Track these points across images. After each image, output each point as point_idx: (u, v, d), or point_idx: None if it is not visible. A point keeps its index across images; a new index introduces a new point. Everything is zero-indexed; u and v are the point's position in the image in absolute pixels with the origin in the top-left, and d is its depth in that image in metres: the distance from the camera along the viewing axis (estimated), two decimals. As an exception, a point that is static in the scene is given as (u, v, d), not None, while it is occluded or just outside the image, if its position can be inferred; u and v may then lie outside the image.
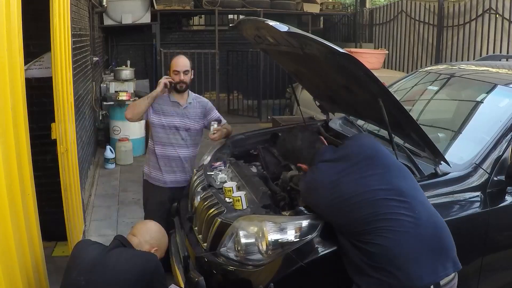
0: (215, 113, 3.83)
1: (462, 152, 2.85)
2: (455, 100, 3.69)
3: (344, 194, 2.20)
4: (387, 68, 9.77)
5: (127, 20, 9.75)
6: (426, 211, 2.19)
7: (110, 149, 6.70)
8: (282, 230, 2.38)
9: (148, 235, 2.52)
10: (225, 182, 3.00)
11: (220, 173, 3.16)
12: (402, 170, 2.32)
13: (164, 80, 3.61)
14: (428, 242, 2.11)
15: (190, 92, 3.83)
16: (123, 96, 7.03)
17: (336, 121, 3.77)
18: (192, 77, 3.81)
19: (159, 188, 3.67)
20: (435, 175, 2.60)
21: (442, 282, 2.10)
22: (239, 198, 2.63)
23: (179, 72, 3.64)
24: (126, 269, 2.27)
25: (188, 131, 3.65)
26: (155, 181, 3.69)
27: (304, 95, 5.42)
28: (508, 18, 7.14)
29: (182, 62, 3.69)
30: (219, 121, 3.67)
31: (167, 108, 3.64)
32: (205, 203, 2.88)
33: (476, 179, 2.61)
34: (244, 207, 2.62)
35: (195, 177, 3.37)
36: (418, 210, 2.15)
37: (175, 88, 3.65)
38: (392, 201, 2.14)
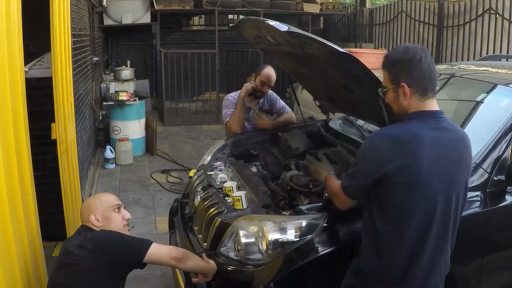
0: (279, 103, 4.07)
1: (462, 152, 2.84)
2: (455, 100, 3.69)
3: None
4: (387, 68, 9.76)
5: (127, 20, 9.75)
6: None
7: (110, 149, 6.70)
8: (282, 229, 2.38)
9: (82, 214, 2.45)
10: (225, 182, 3.00)
11: (220, 173, 3.16)
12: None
13: (250, 85, 3.89)
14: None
15: None
16: (123, 96, 7.03)
17: (336, 121, 3.77)
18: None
19: None
20: (435, 175, 2.60)
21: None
22: (239, 197, 2.63)
23: (266, 85, 3.90)
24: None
25: None
26: None
27: (304, 95, 5.41)
28: (508, 18, 7.14)
29: (273, 77, 3.92)
30: (281, 112, 4.01)
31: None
32: (205, 203, 2.88)
33: (476, 179, 2.61)
34: (244, 206, 2.62)
35: (195, 177, 3.37)
36: None
37: (254, 94, 3.92)
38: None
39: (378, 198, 1.97)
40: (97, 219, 2.38)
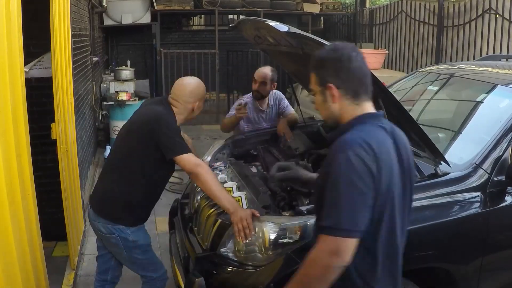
0: (284, 102, 4.20)
1: (462, 152, 2.85)
2: (455, 100, 3.69)
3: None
4: (387, 68, 9.77)
5: (127, 20, 9.74)
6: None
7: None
8: (282, 230, 2.38)
9: (187, 94, 2.68)
10: (225, 182, 3.00)
11: (220, 173, 3.15)
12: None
13: (239, 108, 3.94)
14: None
15: (271, 93, 4.16)
16: (123, 96, 7.02)
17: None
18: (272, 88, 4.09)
19: None
20: (435, 175, 2.60)
21: None
22: (239, 198, 2.63)
23: (263, 83, 3.96)
24: (137, 120, 2.67)
25: None
26: None
27: (304, 95, 5.42)
28: (508, 18, 7.14)
29: (265, 73, 3.97)
30: (283, 111, 4.16)
31: (254, 116, 4.09)
32: (205, 203, 2.88)
33: (476, 179, 2.61)
34: (244, 207, 2.62)
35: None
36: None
37: (255, 96, 4.05)
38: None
39: None
40: (194, 108, 2.72)
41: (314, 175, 2.41)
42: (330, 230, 1.54)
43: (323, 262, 1.55)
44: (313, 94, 1.79)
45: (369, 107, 1.74)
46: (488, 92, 3.24)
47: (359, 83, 1.72)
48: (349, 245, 1.54)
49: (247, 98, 4.17)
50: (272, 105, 4.15)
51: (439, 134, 3.24)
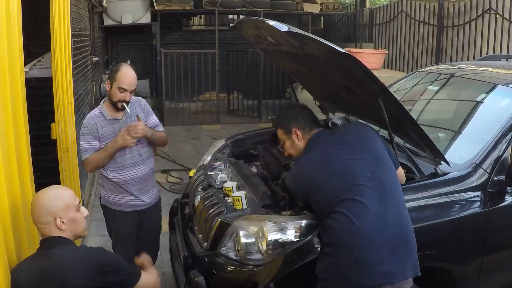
0: (154, 118, 3.20)
1: (462, 152, 2.85)
2: (455, 100, 3.69)
3: (332, 167, 2.29)
4: (387, 68, 9.77)
5: (127, 20, 9.74)
6: (397, 209, 2.22)
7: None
8: (282, 230, 2.38)
9: (39, 217, 1.97)
10: (225, 182, 3.00)
11: (220, 173, 3.16)
12: (389, 163, 2.36)
13: (130, 139, 2.90)
14: (390, 239, 2.14)
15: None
16: (123, 96, 7.01)
17: (336, 121, 3.77)
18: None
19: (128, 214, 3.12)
20: (435, 175, 2.60)
21: (399, 285, 2.12)
22: (239, 197, 2.63)
23: (126, 91, 2.92)
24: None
25: (140, 143, 3.05)
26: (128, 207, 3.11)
27: (304, 95, 5.41)
28: (508, 18, 7.14)
29: (133, 79, 2.95)
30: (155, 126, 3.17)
31: (106, 130, 2.99)
32: (205, 203, 2.88)
33: (476, 179, 2.61)
34: (244, 206, 2.62)
35: (195, 177, 3.37)
36: (390, 205, 2.19)
37: (115, 106, 2.96)
38: (369, 188, 2.20)
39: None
40: (63, 221, 1.97)
41: None
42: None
43: None
44: (282, 145, 2.60)
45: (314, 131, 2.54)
46: (488, 92, 3.24)
47: (309, 119, 2.57)
48: None
49: (95, 119, 2.99)
50: (133, 112, 3.06)
51: (439, 134, 3.24)
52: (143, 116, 3.05)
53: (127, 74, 2.91)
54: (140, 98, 3.20)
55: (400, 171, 2.49)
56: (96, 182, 6.04)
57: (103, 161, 2.96)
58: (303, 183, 2.39)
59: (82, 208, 2.08)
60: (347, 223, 2.13)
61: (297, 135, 2.51)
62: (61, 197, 2.02)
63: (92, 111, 3.10)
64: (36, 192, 2.41)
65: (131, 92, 2.94)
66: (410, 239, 2.20)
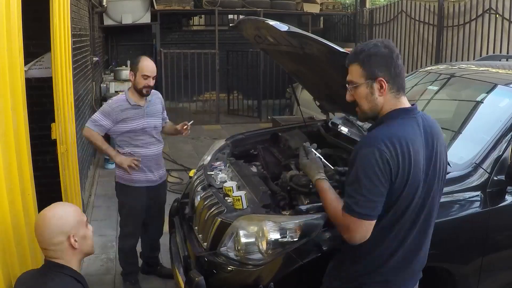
0: (165, 111, 3.85)
1: (462, 152, 2.85)
2: (455, 100, 3.69)
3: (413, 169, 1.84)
4: (387, 68, 9.75)
5: (127, 20, 9.75)
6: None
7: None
8: (282, 229, 2.38)
9: (50, 237, 1.86)
10: (225, 181, 3.00)
11: (220, 173, 3.15)
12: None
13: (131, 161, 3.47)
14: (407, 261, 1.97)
15: None
16: (123, 96, 7.02)
17: (336, 121, 3.77)
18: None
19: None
20: (435, 175, 2.59)
21: None
22: (239, 197, 2.63)
23: (150, 77, 3.42)
24: None
25: (155, 129, 3.60)
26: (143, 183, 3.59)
27: (304, 95, 5.42)
28: (508, 18, 7.13)
29: (153, 67, 3.46)
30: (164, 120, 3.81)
31: (129, 113, 3.45)
32: (205, 203, 2.88)
33: (476, 179, 2.61)
34: (244, 206, 2.62)
35: (195, 177, 3.37)
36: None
37: (141, 92, 3.45)
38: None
39: None
40: (76, 240, 1.89)
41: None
42: (348, 209, 1.83)
43: (337, 224, 1.95)
44: (355, 86, 1.94)
45: (405, 102, 1.92)
46: (488, 92, 3.25)
47: (402, 80, 1.92)
48: (360, 226, 1.82)
49: (120, 102, 3.48)
50: (154, 102, 3.66)
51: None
52: (160, 108, 3.68)
53: (148, 63, 3.42)
54: (157, 92, 3.72)
55: None
56: (96, 183, 6.04)
57: (98, 149, 3.74)
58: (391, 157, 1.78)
59: (89, 225, 2.04)
60: None
61: (383, 87, 1.88)
62: (70, 214, 1.93)
63: (117, 95, 3.63)
64: (35, 192, 2.41)
65: (153, 78, 3.43)
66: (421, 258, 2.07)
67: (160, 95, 3.75)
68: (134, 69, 3.42)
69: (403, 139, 1.80)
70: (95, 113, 3.51)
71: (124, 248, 3.63)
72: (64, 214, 1.90)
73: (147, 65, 3.41)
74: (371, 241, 1.87)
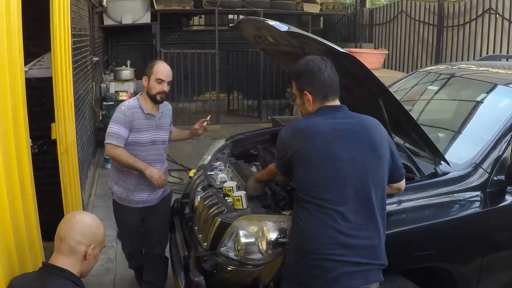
0: (171, 118, 3.52)
1: (462, 152, 2.85)
2: (455, 100, 3.69)
3: (334, 153, 2.11)
4: (387, 68, 9.77)
5: (127, 20, 9.75)
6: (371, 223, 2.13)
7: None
8: (282, 229, 2.38)
9: (79, 233, 1.96)
10: (225, 182, 3.00)
11: (220, 173, 3.16)
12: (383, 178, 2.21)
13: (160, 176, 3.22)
14: (356, 251, 2.07)
15: None
16: (123, 96, 7.03)
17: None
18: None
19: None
20: (435, 174, 2.60)
21: None
22: (239, 197, 2.63)
23: (164, 82, 3.18)
24: None
25: (163, 144, 3.37)
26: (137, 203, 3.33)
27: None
28: (508, 18, 7.13)
29: (169, 70, 3.22)
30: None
31: (143, 123, 3.21)
32: (205, 203, 2.88)
33: (476, 179, 2.61)
34: (244, 206, 2.62)
35: (195, 177, 3.37)
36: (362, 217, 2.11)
37: (154, 99, 3.21)
38: (352, 192, 2.09)
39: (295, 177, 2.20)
40: (90, 253, 1.97)
41: None
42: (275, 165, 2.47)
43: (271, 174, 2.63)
44: (294, 98, 2.35)
45: (332, 103, 2.25)
46: (488, 92, 3.25)
47: (328, 89, 2.23)
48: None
49: (131, 107, 3.25)
50: (165, 114, 3.39)
51: (439, 134, 3.24)
52: (169, 121, 3.41)
53: (163, 66, 3.22)
54: (168, 103, 3.45)
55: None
56: (96, 183, 6.04)
57: (124, 164, 3.17)
58: (298, 141, 2.16)
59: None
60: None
61: (309, 99, 2.23)
62: (103, 233, 2.07)
63: (129, 100, 3.36)
64: (35, 192, 2.41)
65: (168, 83, 3.18)
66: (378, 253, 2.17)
67: (170, 107, 3.46)
68: (148, 73, 3.19)
69: (311, 127, 2.19)
70: (111, 126, 3.17)
71: (124, 254, 3.65)
72: (101, 229, 2.06)
73: (162, 68, 3.17)
74: None
